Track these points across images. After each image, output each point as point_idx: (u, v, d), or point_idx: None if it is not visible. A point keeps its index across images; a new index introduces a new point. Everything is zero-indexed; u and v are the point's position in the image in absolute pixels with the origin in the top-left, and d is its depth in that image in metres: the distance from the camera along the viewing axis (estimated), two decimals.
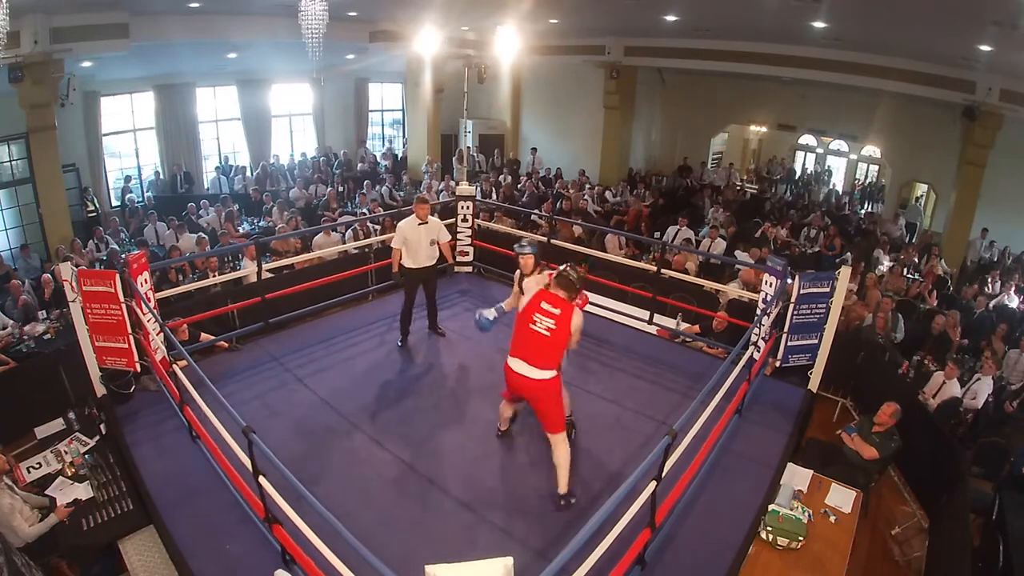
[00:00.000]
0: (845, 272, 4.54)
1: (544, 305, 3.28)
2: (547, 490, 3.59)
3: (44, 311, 6.20)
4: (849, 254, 8.69)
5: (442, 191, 10.90)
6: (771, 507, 3.38)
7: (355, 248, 7.14)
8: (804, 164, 15.55)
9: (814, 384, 4.71)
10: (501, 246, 6.70)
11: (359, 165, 12.95)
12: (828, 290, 4.53)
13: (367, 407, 4.31)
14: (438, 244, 5.01)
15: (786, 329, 4.65)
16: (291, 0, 5.78)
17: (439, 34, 7.88)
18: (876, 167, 14.31)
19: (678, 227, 8.85)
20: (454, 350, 5.23)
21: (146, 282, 4.29)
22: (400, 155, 14.01)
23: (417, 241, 4.85)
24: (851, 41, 8.45)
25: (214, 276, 5.94)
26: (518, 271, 4.09)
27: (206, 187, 11.28)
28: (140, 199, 10.31)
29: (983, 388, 5.21)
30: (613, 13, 9.28)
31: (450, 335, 5.42)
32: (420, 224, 4.84)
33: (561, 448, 3.32)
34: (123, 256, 5.81)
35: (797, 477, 3.75)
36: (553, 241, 6.38)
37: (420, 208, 4.81)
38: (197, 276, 6.59)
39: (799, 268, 5.27)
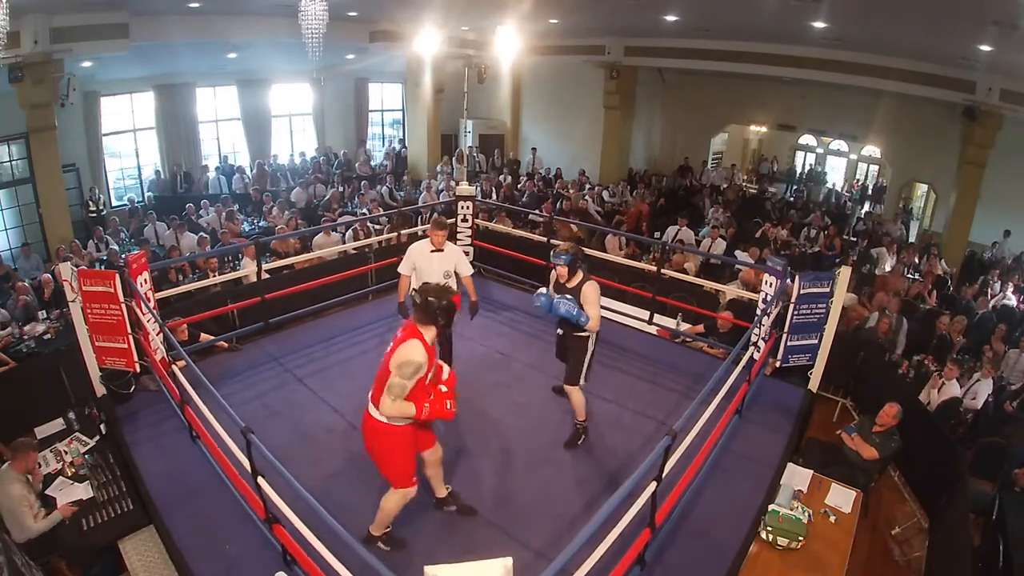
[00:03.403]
0: (845, 272, 4.54)
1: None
2: (547, 490, 3.60)
3: (44, 311, 6.20)
4: (850, 253, 8.70)
5: (442, 191, 10.92)
6: (771, 507, 3.38)
7: (355, 248, 7.14)
8: (804, 164, 15.58)
9: (814, 384, 4.71)
10: (501, 246, 6.71)
11: (357, 164, 12.96)
12: (828, 290, 4.53)
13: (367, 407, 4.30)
14: (457, 277, 4.29)
15: (786, 329, 4.64)
16: (291, 0, 5.79)
17: (439, 34, 7.88)
18: (876, 167, 14.32)
19: (678, 227, 8.85)
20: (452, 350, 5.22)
21: (146, 282, 4.29)
22: (400, 155, 14.00)
23: (428, 270, 4.12)
24: (851, 41, 8.45)
25: (214, 276, 5.94)
26: (553, 276, 3.77)
27: (206, 187, 11.28)
28: (140, 199, 10.33)
29: (983, 388, 5.21)
30: (613, 13, 9.29)
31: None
32: (434, 251, 4.17)
33: (395, 498, 2.86)
34: (123, 256, 5.81)
35: (797, 477, 3.74)
36: (553, 241, 6.37)
37: (436, 234, 4.14)
38: (197, 276, 6.60)
39: (799, 268, 5.27)
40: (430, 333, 2.73)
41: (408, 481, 2.85)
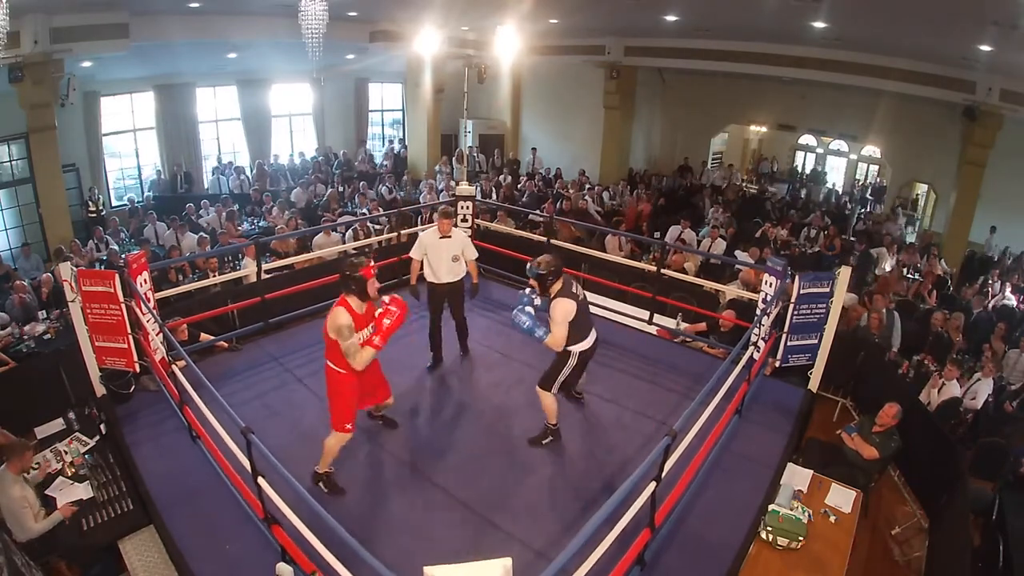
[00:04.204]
0: (845, 272, 4.54)
1: None
2: (547, 490, 3.60)
3: (44, 311, 6.20)
4: (850, 254, 8.69)
5: (442, 191, 10.92)
6: (771, 507, 3.38)
7: (355, 248, 7.14)
8: (804, 164, 15.57)
9: (814, 384, 4.71)
10: (501, 246, 6.71)
11: (356, 161, 12.95)
12: (828, 290, 4.53)
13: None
14: (464, 261, 4.70)
15: (786, 329, 4.64)
16: (291, 0, 5.79)
17: (439, 34, 7.89)
18: (876, 167, 14.32)
19: (680, 228, 8.84)
20: (453, 350, 5.23)
21: (146, 282, 4.29)
22: (400, 155, 14.00)
23: (437, 255, 4.58)
24: (851, 41, 8.45)
25: (214, 276, 5.94)
26: None
27: (206, 187, 11.29)
28: (140, 199, 10.32)
29: (983, 388, 5.21)
30: (613, 13, 9.28)
31: (448, 335, 5.41)
32: (442, 238, 4.57)
33: (332, 440, 3.35)
34: (123, 256, 5.81)
35: (797, 477, 3.74)
36: (553, 242, 6.38)
37: (443, 223, 4.56)
38: (197, 276, 6.60)
39: (799, 268, 5.27)
40: (354, 299, 3.17)
41: (342, 427, 3.32)
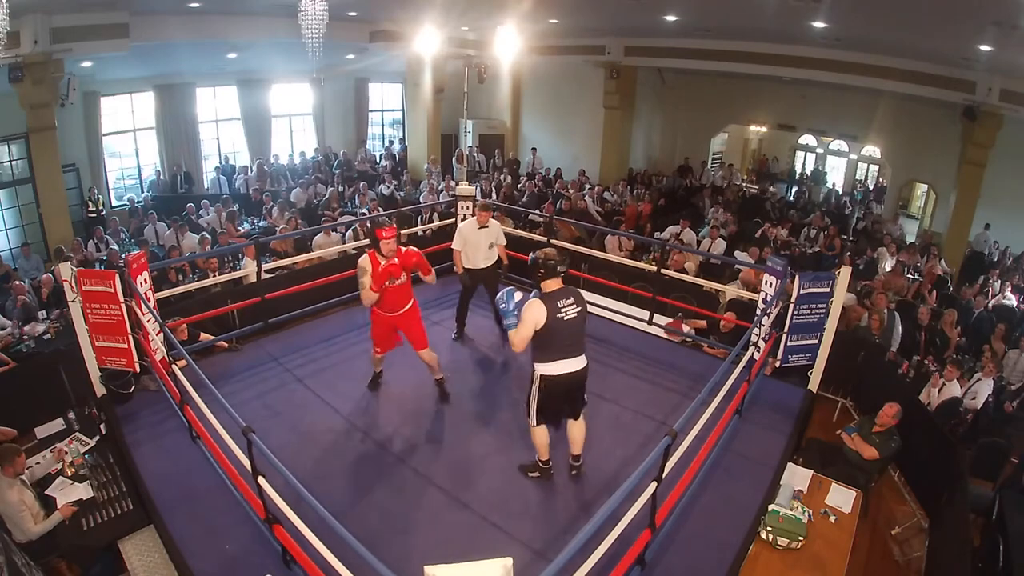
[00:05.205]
0: (845, 272, 4.54)
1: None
2: (547, 490, 3.60)
3: (44, 311, 6.20)
4: (848, 254, 8.69)
5: (442, 191, 10.91)
6: (771, 507, 3.38)
7: (355, 248, 7.14)
8: (804, 164, 15.58)
9: (814, 384, 4.71)
10: None
11: (356, 161, 12.95)
12: (828, 290, 4.53)
13: (367, 407, 4.32)
14: (496, 246, 5.16)
15: (786, 329, 4.64)
16: (291, 0, 5.79)
17: (439, 34, 7.88)
18: (876, 167, 14.32)
19: (680, 227, 8.84)
20: (454, 350, 5.23)
21: (146, 282, 4.29)
22: (398, 156, 13.99)
23: (476, 243, 5.02)
24: (851, 41, 8.44)
25: (214, 276, 5.93)
26: None
27: (206, 187, 11.28)
28: (140, 199, 10.32)
29: (983, 388, 5.21)
30: (613, 13, 9.28)
31: (449, 334, 5.42)
32: (480, 228, 5.02)
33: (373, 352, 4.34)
34: (123, 256, 5.81)
35: (797, 477, 3.74)
36: (553, 242, 6.37)
37: (482, 215, 5.02)
38: (197, 276, 6.59)
39: (799, 268, 5.27)
40: (378, 253, 3.83)
41: (375, 349, 4.27)
